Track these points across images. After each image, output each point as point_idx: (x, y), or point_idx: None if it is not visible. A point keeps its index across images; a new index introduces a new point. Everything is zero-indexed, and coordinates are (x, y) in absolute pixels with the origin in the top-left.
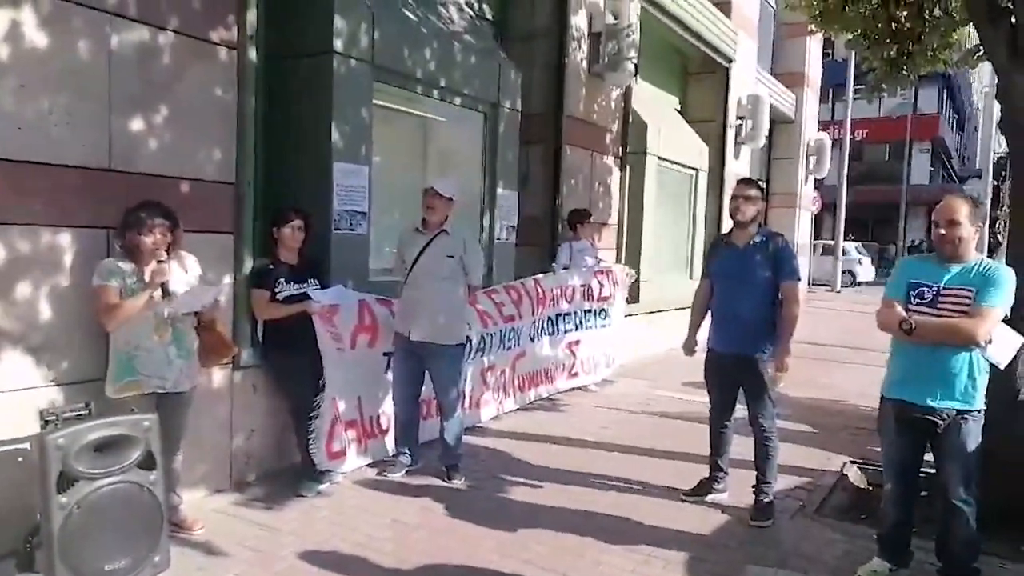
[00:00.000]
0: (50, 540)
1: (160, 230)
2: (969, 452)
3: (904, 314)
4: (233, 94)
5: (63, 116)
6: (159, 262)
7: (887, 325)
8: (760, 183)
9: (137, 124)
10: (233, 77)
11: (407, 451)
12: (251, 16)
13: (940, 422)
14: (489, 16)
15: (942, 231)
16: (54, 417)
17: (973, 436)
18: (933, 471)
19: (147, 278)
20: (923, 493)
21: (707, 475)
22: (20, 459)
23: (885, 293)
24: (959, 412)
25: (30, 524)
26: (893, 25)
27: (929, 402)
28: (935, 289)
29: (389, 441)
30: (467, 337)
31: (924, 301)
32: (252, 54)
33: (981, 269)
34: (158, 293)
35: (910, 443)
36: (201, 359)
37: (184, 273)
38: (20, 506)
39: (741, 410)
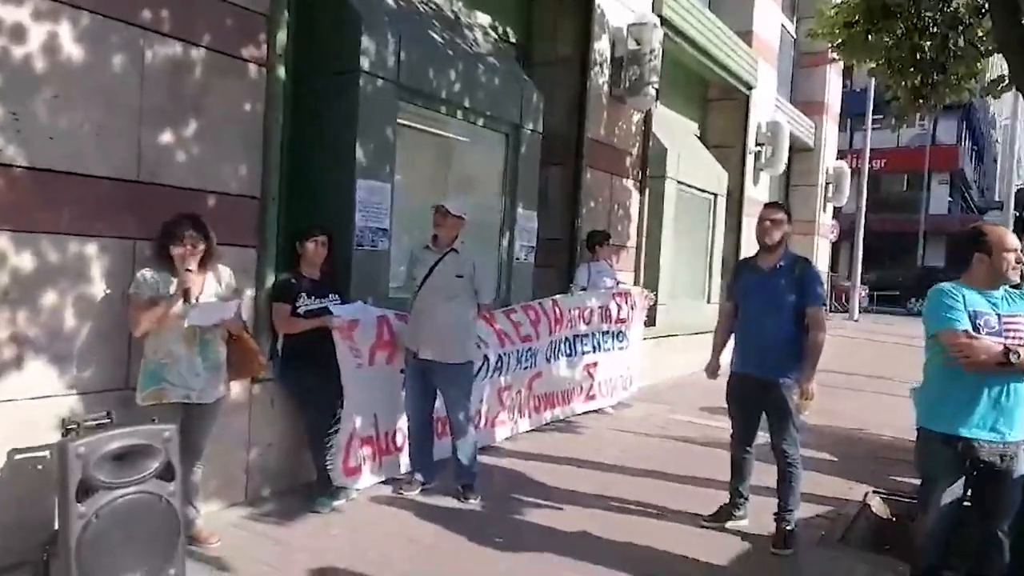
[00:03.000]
0: (67, 549)
1: (190, 242)
2: (1018, 483)
3: (1003, 345)
4: (261, 110)
5: (95, 128)
6: (187, 270)
7: (984, 358)
8: (786, 207)
9: (166, 137)
10: (261, 94)
11: (421, 469)
12: (281, 35)
13: (1010, 456)
14: (513, 39)
15: (1016, 259)
16: (75, 425)
17: (1022, 466)
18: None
19: (171, 289)
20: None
21: (727, 501)
22: (39, 467)
23: (946, 325)
24: (1018, 443)
25: (47, 532)
26: (917, 55)
27: (1008, 437)
28: (998, 317)
29: (404, 458)
30: (484, 356)
31: (993, 330)
32: (281, 71)
33: (1022, 294)
34: (179, 305)
35: (965, 480)
36: (232, 372)
37: (218, 285)
38: (38, 514)
39: (763, 435)
